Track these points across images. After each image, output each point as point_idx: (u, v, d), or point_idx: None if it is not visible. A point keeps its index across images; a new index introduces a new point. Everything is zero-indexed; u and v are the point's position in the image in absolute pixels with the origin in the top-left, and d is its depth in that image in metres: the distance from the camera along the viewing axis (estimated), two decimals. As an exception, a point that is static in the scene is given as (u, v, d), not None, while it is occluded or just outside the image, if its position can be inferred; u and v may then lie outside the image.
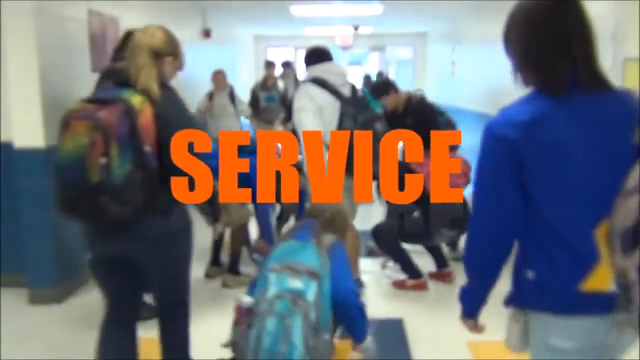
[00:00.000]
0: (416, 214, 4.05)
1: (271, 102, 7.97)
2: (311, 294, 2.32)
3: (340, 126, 3.35)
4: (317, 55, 3.56)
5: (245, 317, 2.36)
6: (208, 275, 4.39)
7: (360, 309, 2.59)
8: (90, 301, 3.96)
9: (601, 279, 1.42)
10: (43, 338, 3.43)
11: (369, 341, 3.36)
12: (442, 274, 4.31)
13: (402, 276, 4.22)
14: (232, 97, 6.49)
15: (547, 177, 1.46)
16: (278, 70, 9.08)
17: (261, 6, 7.44)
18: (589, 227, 1.43)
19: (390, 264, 4.48)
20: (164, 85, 2.28)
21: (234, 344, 2.42)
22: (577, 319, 1.46)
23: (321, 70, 3.47)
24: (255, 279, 2.58)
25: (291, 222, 5.19)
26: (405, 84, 13.77)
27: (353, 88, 3.56)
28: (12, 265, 4.00)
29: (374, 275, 4.42)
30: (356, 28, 11.42)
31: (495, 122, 1.51)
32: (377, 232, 4.25)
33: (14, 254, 3.92)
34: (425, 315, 3.76)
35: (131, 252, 2.32)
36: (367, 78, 12.65)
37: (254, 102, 7.88)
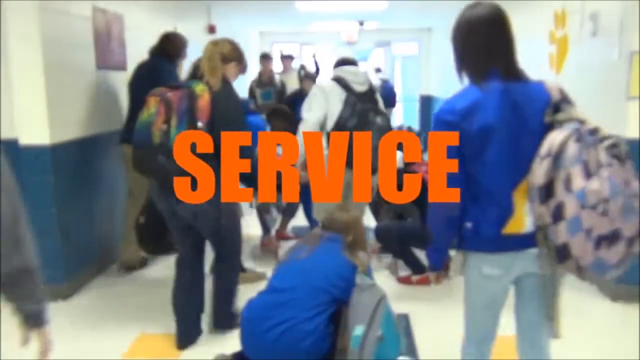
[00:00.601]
0: (411, 219, 4.06)
1: (268, 100, 7.55)
2: None
3: (340, 113, 3.68)
4: (341, 62, 4.02)
5: None
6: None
7: None
8: (97, 297, 3.99)
9: (517, 225, 1.94)
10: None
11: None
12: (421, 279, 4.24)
13: (407, 272, 4.22)
14: None
15: (479, 151, 1.92)
16: (279, 65, 8.67)
17: (266, 2, 7.42)
18: (510, 188, 1.93)
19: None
20: (226, 82, 3.07)
21: None
22: (501, 254, 2.01)
23: (340, 70, 3.92)
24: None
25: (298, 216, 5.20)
26: (411, 80, 13.79)
27: (370, 87, 3.92)
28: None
29: (379, 272, 4.42)
30: (361, 24, 11.37)
31: (440, 110, 1.99)
32: (379, 232, 4.24)
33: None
34: (430, 310, 3.75)
35: (179, 210, 3.00)
36: (377, 71, 13.05)
37: (251, 99, 7.54)
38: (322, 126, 3.74)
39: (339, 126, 3.65)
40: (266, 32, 12.59)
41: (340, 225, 3.00)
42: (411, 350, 3.21)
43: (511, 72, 1.95)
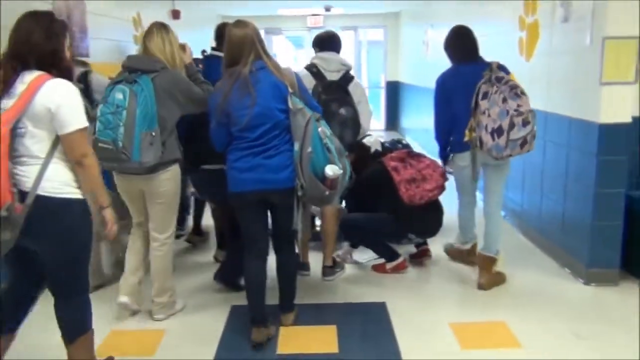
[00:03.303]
0: (386, 215, 4.07)
1: None
2: None
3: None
4: (319, 42, 3.99)
5: None
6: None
7: None
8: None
9: (468, 137, 3.70)
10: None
11: (353, 325, 3.35)
12: (421, 252, 4.35)
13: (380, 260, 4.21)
14: None
15: (454, 99, 3.81)
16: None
17: (232, -14, 7.24)
18: (467, 122, 3.65)
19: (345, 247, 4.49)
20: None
21: None
22: (464, 152, 3.78)
23: (317, 57, 3.88)
24: None
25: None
26: (377, 67, 13.75)
27: (345, 75, 3.83)
28: None
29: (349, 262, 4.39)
30: (328, 9, 11.27)
31: (439, 78, 3.94)
32: (346, 225, 4.17)
33: None
34: (406, 298, 3.74)
35: None
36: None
37: None
38: None
39: None
40: (231, 17, 12.36)
41: (240, 42, 2.97)
42: (389, 338, 3.20)
43: (471, 55, 3.91)
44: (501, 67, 3.63)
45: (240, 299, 3.62)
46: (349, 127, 3.62)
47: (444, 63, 4.05)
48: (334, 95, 3.68)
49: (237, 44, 2.98)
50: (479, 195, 4.09)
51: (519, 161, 5.04)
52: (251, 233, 3.13)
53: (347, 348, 3.11)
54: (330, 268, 4.03)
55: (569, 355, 2.98)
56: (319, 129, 2.93)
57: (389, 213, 4.01)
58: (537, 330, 3.25)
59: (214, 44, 4.32)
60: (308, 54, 13.44)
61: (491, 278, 3.82)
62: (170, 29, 3.39)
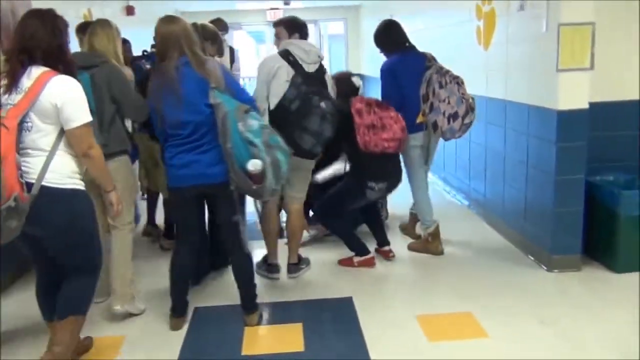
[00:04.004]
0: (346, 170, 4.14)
1: None
2: None
3: (285, 93, 3.49)
4: (294, 26, 3.78)
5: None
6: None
7: None
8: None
9: (420, 118, 4.05)
10: None
11: (319, 322, 3.29)
12: (382, 252, 4.28)
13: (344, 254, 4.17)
14: None
15: (404, 84, 4.06)
16: None
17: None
18: (416, 105, 4.05)
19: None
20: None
21: None
22: (417, 133, 4.09)
23: (291, 44, 3.65)
24: None
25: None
26: (339, 60, 13.72)
27: (321, 67, 3.71)
28: None
29: (320, 255, 4.34)
30: (287, 3, 11.17)
31: (386, 65, 4.19)
32: (321, 210, 4.16)
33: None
34: (373, 292, 3.71)
35: None
36: None
37: None
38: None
39: (282, 107, 3.47)
40: (187, 12, 12.14)
41: (165, 38, 2.97)
42: (356, 333, 3.16)
43: (410, 48, 4.23)
44: (434, 58, 4.16)
45: (204, 300, 3.54)
46: (329, 121, 3.48)
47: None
48: (314, 87, 3.56)
49: (162, 41, 3.00)
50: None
51: (480, 150, 5.07)
52: (185, 226, 3.22)
53: (312, 346, 3.05)
54: (295, 265, 3.97)
55: (535, 343, 2.99)
56: (239, 123, 2.87)
57: (348, 159, 4.12)
58: (504, 319, 3.25)
59: None
60: (269, 50, 13.35)
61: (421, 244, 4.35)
62: (112, 25, 3.48)
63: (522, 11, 4.10)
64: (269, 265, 3.96)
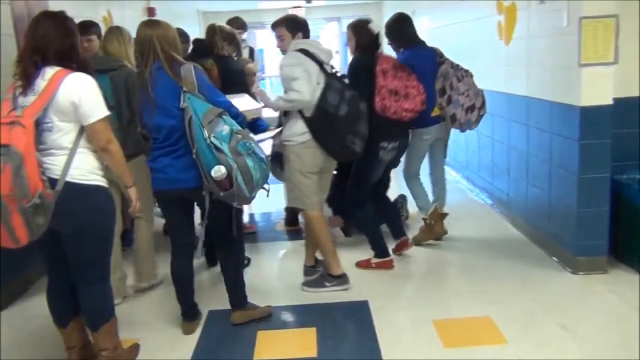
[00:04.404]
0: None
1: None
2: None
3: (326, 98, 3.43)
4: (299, 26, 3.64)
5: None
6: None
7: None
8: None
9: (435, 111, 4.13)
10: None
11: (334, 326, 3.24)
12: (401, 244, 4.19)
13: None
14: None
15: (419, 78, 3.91)
16: None
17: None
18: (431, 99, 4.01)
19: None
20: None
21: None
22: (431, 127, 4.17)
23: (308, 44, 3.55)
24: None
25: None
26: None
27: (332, 68, 3.63)
28: None
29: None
30: (309, 1, 11.11)
31: (400, 59, 4.13)
32: (347, 197, 4.01)
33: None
34: (389, 296, 3.63)
35: None
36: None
37: None
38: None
39: (325, 113, 3.39)
40: (209, 12, 12.17)
41: (140, 42, 2.97)
42: (371, 337, 3.09)
43: (415, 41, 4.27)
44: (442, 53, 4.25)
45: (218, 304, 3.51)
46: (366, 120, 3.54)
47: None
48: (352, 91, 3.51)
49: (138, 45, 3.03)
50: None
51: (503, 148, 4.94)
52: (173, 229, 3.27)
53: (326, 351, 3.00)
54: (312, 267, 3.91)
55: (555, 350, 2.87)
56: (204, 129, 2.79)
57: None
58: (524, 324, 3.14)
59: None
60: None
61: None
62: (122, 30, 3.62)
63: (543, 4, 3.96)
64: (336, 278, 3.71)
